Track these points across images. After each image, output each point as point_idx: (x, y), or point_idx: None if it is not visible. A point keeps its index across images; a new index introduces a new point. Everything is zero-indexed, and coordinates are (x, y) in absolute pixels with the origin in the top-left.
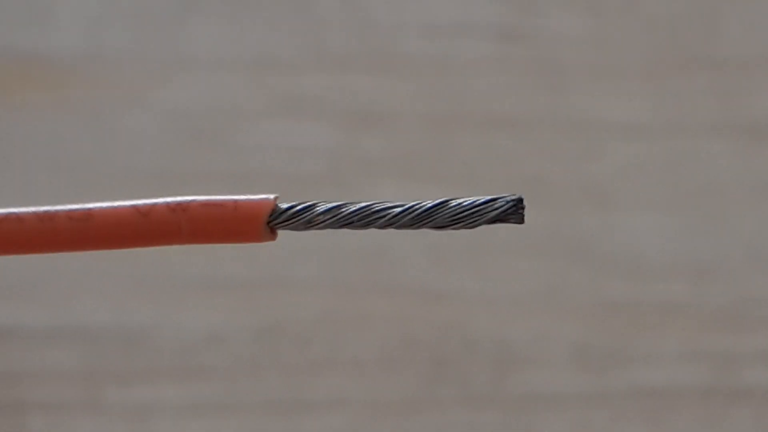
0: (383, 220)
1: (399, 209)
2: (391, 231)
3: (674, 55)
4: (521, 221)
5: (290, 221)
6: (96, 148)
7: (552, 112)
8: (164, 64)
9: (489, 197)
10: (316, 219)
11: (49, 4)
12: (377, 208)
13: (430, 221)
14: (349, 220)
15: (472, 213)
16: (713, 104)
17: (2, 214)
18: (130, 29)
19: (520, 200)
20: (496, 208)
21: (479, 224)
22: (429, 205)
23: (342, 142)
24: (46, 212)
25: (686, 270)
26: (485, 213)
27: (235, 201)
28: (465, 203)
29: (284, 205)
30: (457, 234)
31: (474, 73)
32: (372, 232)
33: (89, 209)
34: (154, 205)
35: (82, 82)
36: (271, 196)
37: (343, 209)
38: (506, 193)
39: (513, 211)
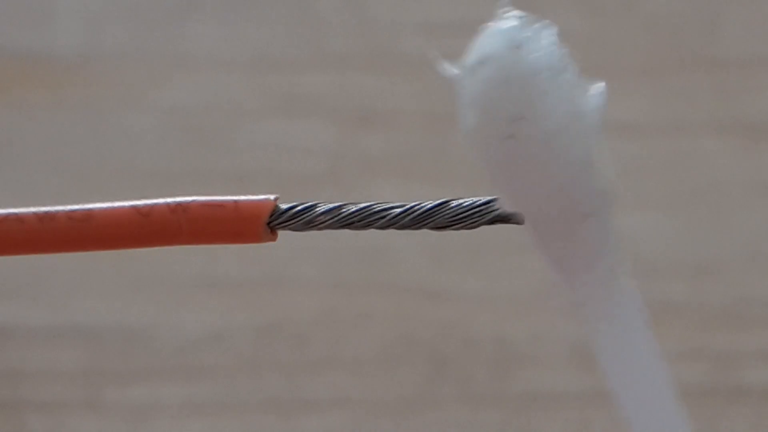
0: (383, 220)
1: (399, 210)
2: (391, 231)
3: (674, 54)
4: (521, 222)
5: (290, 222)
6: (96, 148)
7: None
8: (164, 64)
9: (489, 198)
10: (316, 219)
11: (49, 4)
12: (377, 209)
13: (431, 222)
14: (350, 221)
15: (472, 213)
16: (713, 104)
17: (2, 214)
18: (130, 29)
19: None
20: (496, 209)
21: (479, 225)
22: (429, 205)
23: (342, 142)
24: (46, 213)
25: (686, 270)
26: (485, 213)
27: (236, 202)
28: (465, 204)
29: (284, 206)
30: (457, 233)
31: None
32: (372, 232)
33: (89, 210)
34: (155, 205)
35: (82, 82)
36: (272, 197)
37: (344, 210)
38: None
39: (513, 212)
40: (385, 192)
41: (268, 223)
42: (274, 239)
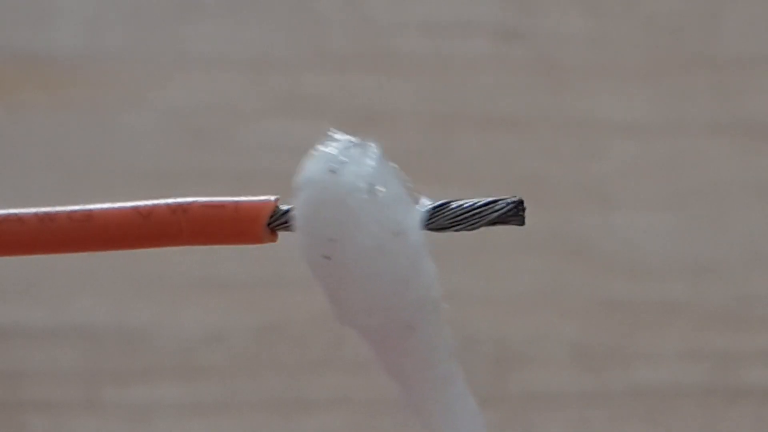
0: None
1: None
2: None
3: (674, 55)
4: (522, 223)
5: (291, 223)
6: (96, 148)
7: (552, 112)
8: (164, 64)
9: (489, 199)
10: None
11: (49, 4)
12: None
13: (431, 223)
14: None
15: (473, 215)
16: (713, 104)
17: (2, 215)
18: (130, 29)
19: (520, 202)
20: (497, 210)
21: (479, 226)
22: (429, 206)
23: None
24: (46, 213)
25: (686, 270)
26: (486, 215)
27: (236, 202)
28: (465, 205)
29: (285, 207)
30: (457, 233)
31: (474, 73)
32: None
33: (89, 210)
34: (155, 206)
35: (82, 82)
36: (272, 198)
37: None
38: (506, 193)
39: (513, 213)
40: None
41: (269, 224)
42: (274, 240)
